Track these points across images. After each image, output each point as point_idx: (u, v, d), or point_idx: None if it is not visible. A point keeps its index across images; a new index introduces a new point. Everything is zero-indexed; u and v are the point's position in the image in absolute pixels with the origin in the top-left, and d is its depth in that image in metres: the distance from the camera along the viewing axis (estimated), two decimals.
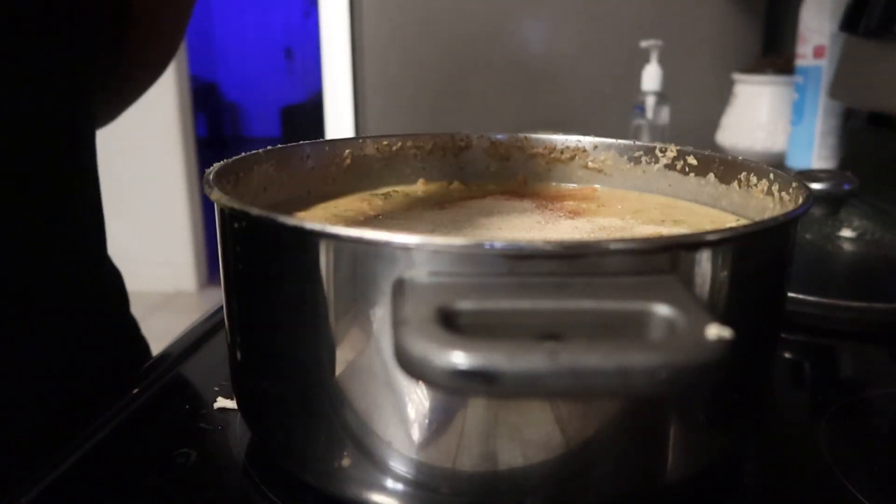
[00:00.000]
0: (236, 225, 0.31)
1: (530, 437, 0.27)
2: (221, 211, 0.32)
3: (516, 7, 1.54)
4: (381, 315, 0.27)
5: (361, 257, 0.26)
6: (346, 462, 0.30)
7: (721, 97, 1.31)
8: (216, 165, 0.37)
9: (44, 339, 0.44)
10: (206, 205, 2.85)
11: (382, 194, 0.48)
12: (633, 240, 0.27)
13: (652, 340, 0.22)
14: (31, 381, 0.43)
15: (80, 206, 0.49)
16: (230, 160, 0.39)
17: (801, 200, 0.33)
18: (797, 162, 1.09)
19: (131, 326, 0.56)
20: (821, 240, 0.58)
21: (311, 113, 3.31)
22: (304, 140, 0.46)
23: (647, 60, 1.14)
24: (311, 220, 0.38)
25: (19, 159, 0.42)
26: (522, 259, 0.25)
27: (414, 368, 0.21)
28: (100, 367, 0.48)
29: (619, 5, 1.50)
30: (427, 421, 0.28)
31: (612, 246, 0.26)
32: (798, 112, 1.08)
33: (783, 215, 0.30)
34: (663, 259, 0.26)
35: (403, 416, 0.28)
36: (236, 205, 0.30)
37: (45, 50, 0.43)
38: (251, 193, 0.41)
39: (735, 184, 0.42)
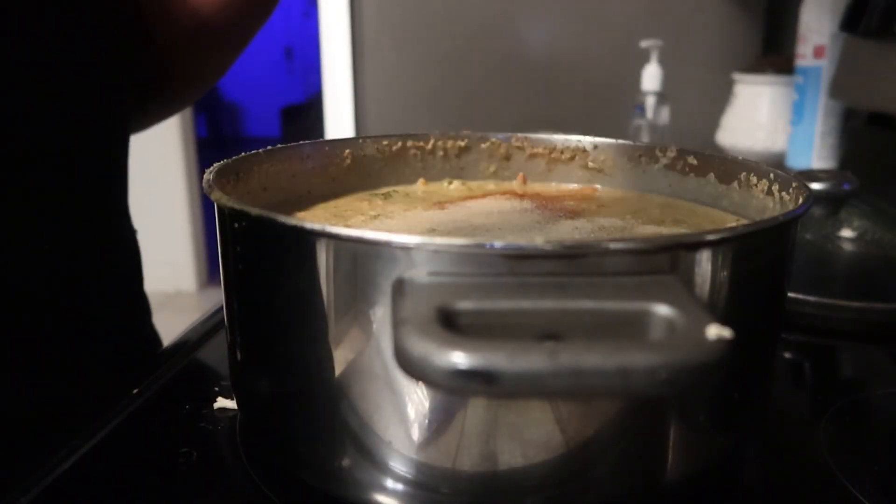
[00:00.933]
0: (236, 225, 0.31)
1: (530, 437, 0.27)
2: (221, 211, 0.32)
3: (516, 7, 1.54)
4: (381, 315, 0.27)
5: (361, 257, 0.26)
6: (346, 462, 0.30)
7: (721, 97, 1.31)
8: (216, 165, 0.37)
9: (68, 340, 0.46)
10: (206, 205, 2.85)
11: (382, 194, 0.48)
12: (633, 240, 0.27)
13: (652, 340, 0.22)
14: (42, 380, 0.44)
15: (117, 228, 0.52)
16: (230, 160, 0.39)
17: (801, 200, 0.33)
18: (797, 162, 1.09)
19: (152, 336, 0.58)
20: (821, 240, 0.58)
21: (311, 113, 3.31)
22: (304, 140, 0.46)
23: (647, 60, 1.14)
24: (311, 220, 0.38)
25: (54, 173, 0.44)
26: (522, 259, 0.25)
27: (414, 368, 0.21)
28: (114, 369, 0.49)
29: (619, 5, 1.50)
30: (427, 421, 0.28)
31: (612, 246, 0.26)
32: (798, 112, 1.08)
33: (783, 215, 0.30)
34: (663, 259, 0.26)
35: (403, 416, 0.28)
36: (236, 205, 0.30)
37: (82, 69, 0.46)
38: (251, 193, 0.41)
39: (735, 184, 0.42)
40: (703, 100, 1.45)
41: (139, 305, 0.56)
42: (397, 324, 0.22)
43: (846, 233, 0.59)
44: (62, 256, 0.45)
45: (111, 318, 0.50)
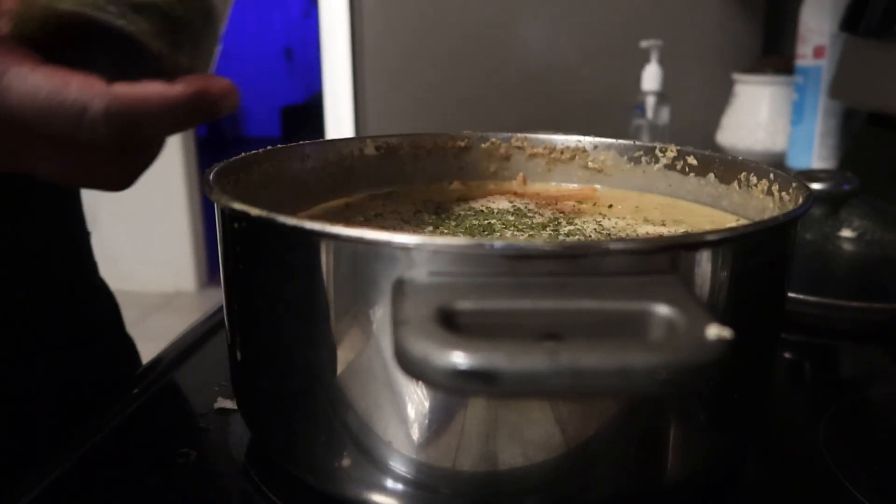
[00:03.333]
0: (236, 225, 0.31)
1: (530, 437, 0.27)
2: (221, 211, 0.32)
3: (516, 7, 1.54)
4: (381, 315, 0.27)
5: (361, 257, 0.26)
6: (346, 462, 0.30)
7: (721, 97, 1.31)
8: (216, 165, 0.37)
9: (39, 356, 0.45)
10: (206, 205, 2.85)
11: (382, 194, 0.48)
12: (633, 240, 0.27)
13: (652, 340, 0.22)
14: (26, 394, 0.44)
15: (67, 225, 0.49)
16: (230, 160, 0.39)
17: (801, 200, 0.33)
18: (797, 162, 1.09)
19: (126, 343, 0.56)
20: (821, 240, 0.58)
21: (311, 113, 3.31)
22: (304, 140, 0.46)
23: (647, 60, 1.14)
24: (311, 220, 0.38)
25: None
26: (522, 259, 0.25)
27: (414, 368, 0.21)
28: (93, 381, 0.48)
29: (619, 5, 1.50)
30: (427, 421, 0.28)
31: (612, 246, 0.26)
32: (798, 112, 1.08)
33: (783, 215, 0.30)
34: (663, 259, 0.26)
35: (403, 416, 0.28)
36: (236, 205, 0.29)
37: None
38: (251, 193, 0.41)
39: (735, 184, 0.42)
40: (703, 100, 1.45)
41: (105, 310, 0.54)
42: (397, 324, 0.22)
43: (846, 233, 0.59)
44: (16, 270, 0.44)
45: (75, 323, 0.49)
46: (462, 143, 0.51)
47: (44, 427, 0.44)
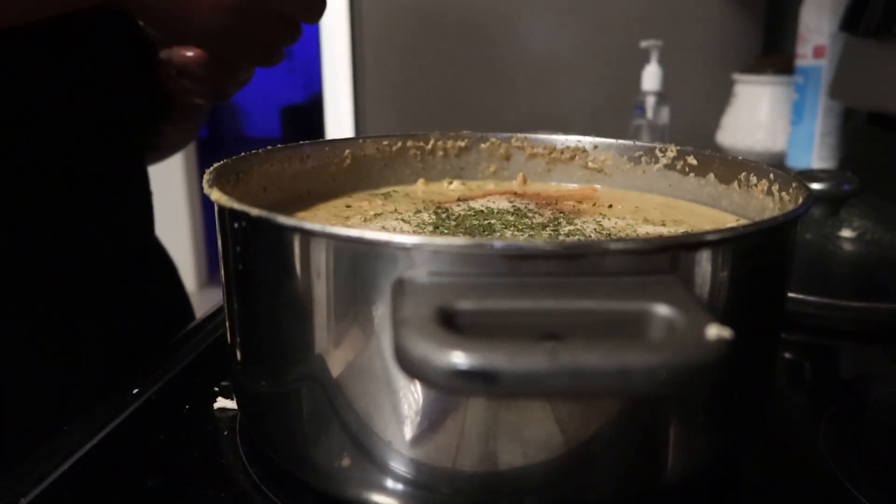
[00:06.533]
0: (236, 225, 0.31)
1: (530, 437, 0.27)
2: (221, 211, 0.32)
3: (516, 7, 1.54)
4: (381, 315, 0.27)
5: (361, 257, 0.26)
6: (346, 462, 0.30)
7: (721, 97, 1.31)
8: (216, 165, 0.37)
9: (101, 311, 0.51)
10: (206, 205, 2.85)
11: (382, 194, 0.48)
12: (633, 240, 0.27)
13: (652, 340, 0.22)
14: (80, 348, 0.49)
15: (129, 196, 0.60)
16: (230, 160, 0.39)
17: (801, 200, 0.33)
18: (797, 162, 1.09)
19: (179, 294, 0.64)
20: (821, 240, 0.58)
21: (311, 113, 3.31)
22: (304, 140, 0.46)
23: (647, 60, 1.14)
24: (311, 220, 0.38)
25: (83, 162, 0.50)
26: (522, 259, 0.25)
27: (414, 368, 0.21)
28: (150, 332, 0.54)
29: (619, 5, 1.50)
30: (427, 421, 0.28)
31: (612, 246, 0.26)
32: (798, 112, 1.08)
33: (783, 215, 0.30)
34: (663, 259, 0.26)
35: (403, 416, 0.28)
36: (236, 205, 0.30)
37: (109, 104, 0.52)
38: (251, 193, 0.41)
39: (735, 184, 0.42)
40: (703, 100, 1.45)
41: (161, 266, 0.63)
42: (397, 324, 0.22)
43: (846, 233, 0.59)
44: (84, 234, 0.50)
45: (133, 280, 0.56)
46: (462, 143, 0.51)
47: (98, 376, 0.50)
